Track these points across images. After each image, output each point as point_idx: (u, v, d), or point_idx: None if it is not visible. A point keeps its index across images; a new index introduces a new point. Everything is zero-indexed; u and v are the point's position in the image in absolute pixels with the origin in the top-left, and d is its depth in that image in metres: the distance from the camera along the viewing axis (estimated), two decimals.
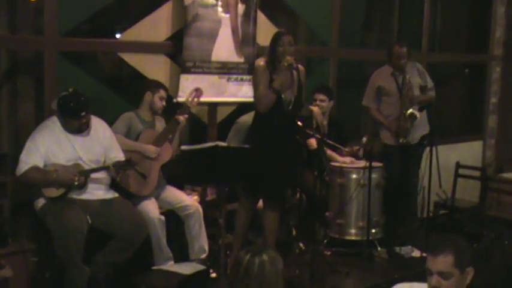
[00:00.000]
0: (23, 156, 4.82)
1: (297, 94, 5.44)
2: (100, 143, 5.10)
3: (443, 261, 3.04)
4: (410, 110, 6.47)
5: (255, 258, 3.00)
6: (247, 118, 6.03)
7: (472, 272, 3.11)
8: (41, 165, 4.83)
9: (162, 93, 5.55)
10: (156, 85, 5.59)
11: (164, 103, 5.57)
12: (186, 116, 5.58)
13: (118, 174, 5.09)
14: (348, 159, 6.48)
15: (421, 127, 6.71)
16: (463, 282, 3.10)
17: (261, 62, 5.44)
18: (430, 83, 6.85)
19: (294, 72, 5.42)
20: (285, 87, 5.36)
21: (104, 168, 5.04)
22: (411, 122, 6.53)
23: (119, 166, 5.02)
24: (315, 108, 5.97)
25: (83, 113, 4.90)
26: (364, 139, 6.33)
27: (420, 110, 6.70)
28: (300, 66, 5.52)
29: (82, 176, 4.88)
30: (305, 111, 5.73)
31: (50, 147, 4.88)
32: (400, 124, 6.53)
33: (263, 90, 5.30)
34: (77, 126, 4.95)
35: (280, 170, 5.40)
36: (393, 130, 6.61)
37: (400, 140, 6.55)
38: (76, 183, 4.84)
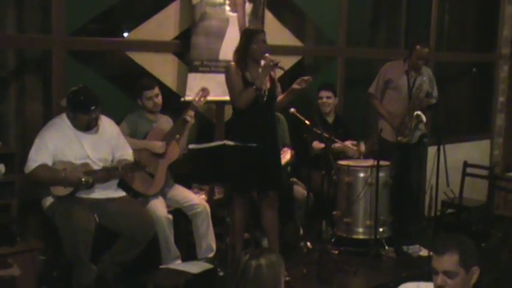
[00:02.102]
0: (32, 154, 4.82)
1: (270, 87, 5.44)
2: (108, 142, 5.11)
3: (448, 261, 3.04)
4: (418, 112, 6.44)
5: (251, 261, 2.97)
6: None
7: (478, 271, 3.10)
8: (49, 162, 4.83)
9: (147, 93, 5.48)
10: (139, 89, 5.53)
11: (155, 100, 5.50)
12: (192, 114, 5.56)
13: (126, 175, 5.10)
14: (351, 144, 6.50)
15: (422, 126, 6.68)
16: (468, 282, 3.09)
17: (232, 63, 5.44)
18: (435, 93, 6.81)
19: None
20: (263, 84, 5.39)
21: (112, 169, 5.04)
22: (416, 123, 6.50)
23: (127, 168, 5.02)
24: (295, 85, 5.88)
25: (93, 107, 4.88)
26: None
27: (425, 110, 6.69)
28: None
29: (89, 176, 4.88)
30: (284, 99, 5.66)
31: (58, 144, 4.88)
32: (404, 122, 6.50)
33: (241, 89, 5.32)
34: (86, 121, 4.94)
35: (267, 163, 5.39)
36: (395, 126, 6.58)
37: (399, 139, 6.53)
38: (83, 183, 4.84)
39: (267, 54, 5.32)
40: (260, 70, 5.37)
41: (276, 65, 5.29)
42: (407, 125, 6.49)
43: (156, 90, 5.54)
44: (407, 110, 6.49)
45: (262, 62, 5.37)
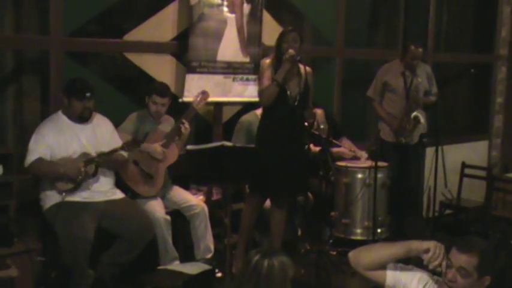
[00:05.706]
0: (30, 147, 4.84)
1: (302, 91, 5.44)
2: (103, 137, 5.12)
3: (467, 260, 3.07)
4: (415, 113, 6.45)
5: (264, 260, 2.96)
6: (248, 117, 6.05)
7: (489, 281, 3.12)
8: (47, 155, 4.85)
9: (155, 98, 5.44)
10: (151, 90, 5.51)
11: (159, 107, 5.46)
12: (187, 126, 5.53)
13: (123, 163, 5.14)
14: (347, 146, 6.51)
15: (420, 127, 6.67)
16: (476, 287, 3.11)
17: (267, 59, 5.48)
18: (434, 89, 6.83)
19: (301, 70, 5.42)
20: (288, 80, 5.37)
21: (111, 152, 5.01)
22: (414, 124, 6.50)
23: (126, 146, 5.04)
24: (319, 111, 5.97)
25: (88, 94, 4.91)
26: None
27: (426, 110, 6.70)
28: (308, 68, 5.52)
29: (88, 163, 4.88)
30: (309, 115, 5.68)
31: (55, 138, 4.89)
32: (402, 124, 6.51)
33: (265, 83, 5.33)
34: (80, 109, 4.94)
35: (288, 167, 5.40)
36: (394, 128, 6.58)
37: (399, 139, 6.53)
38: (84, 174, 4.84)
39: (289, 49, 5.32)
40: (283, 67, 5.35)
41: (291, 57, 5.28)
42: (405, 126, 6.49)
43: (166, 100, 5.50)
44: (405, 112, 6.49)
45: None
